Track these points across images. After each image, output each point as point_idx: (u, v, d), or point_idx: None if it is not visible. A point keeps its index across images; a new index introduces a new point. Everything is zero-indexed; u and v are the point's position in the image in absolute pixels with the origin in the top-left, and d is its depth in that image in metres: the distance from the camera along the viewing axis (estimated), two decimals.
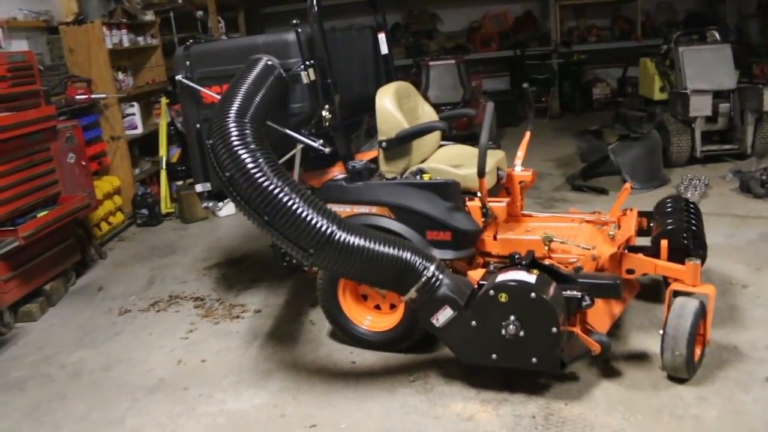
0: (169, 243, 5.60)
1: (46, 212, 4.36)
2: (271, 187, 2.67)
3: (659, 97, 6.91)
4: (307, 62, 3.25)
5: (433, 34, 10.47)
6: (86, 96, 5.54)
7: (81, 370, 3.54)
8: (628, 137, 6.02)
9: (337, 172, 3.55)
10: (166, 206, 6.30)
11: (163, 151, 6.35)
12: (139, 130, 6.37)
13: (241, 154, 2.72)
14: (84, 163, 4.89)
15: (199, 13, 7.31)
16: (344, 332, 3.43)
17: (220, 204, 3.79)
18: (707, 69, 6.32)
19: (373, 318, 3.39)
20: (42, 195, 4.46)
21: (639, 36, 9.88)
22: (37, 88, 4.44)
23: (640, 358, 3.14)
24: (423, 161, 3.63)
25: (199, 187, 3.76)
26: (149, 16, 6.55)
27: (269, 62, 3.23)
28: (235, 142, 2.75)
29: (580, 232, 3.53)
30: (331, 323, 3.47)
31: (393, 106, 3.42)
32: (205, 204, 3.78)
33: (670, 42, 6.74)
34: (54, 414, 3.14)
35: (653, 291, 3.72)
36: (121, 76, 6.18)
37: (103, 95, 5.71)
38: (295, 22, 3.26)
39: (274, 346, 3.57)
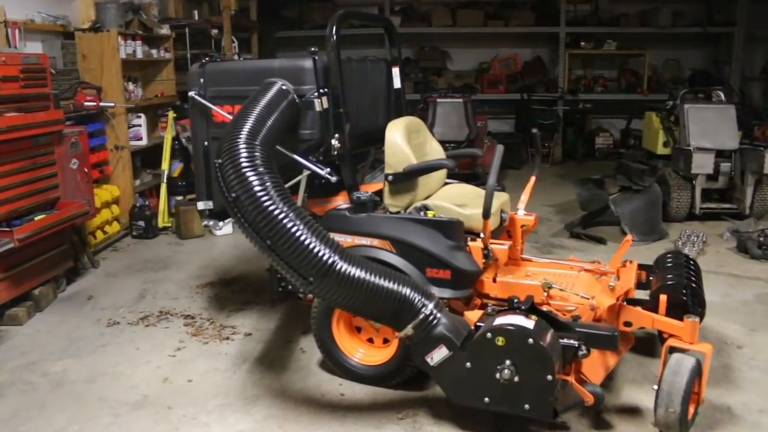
0: (164, 257, 5.55)
1: (43, 216, 4.33)
2: (276, 212, 2.65)
3: (662, 152, 6.98)
4: (321, 90, 3.27)
5: (442, 71, 10.59)
6: (95, 103, 5.54)
7: (64, 380, 3.47)
8: (630, 189, 6.06)
9: (341, 202, 3.54)
10: (163, 220, 6.27)
11: (165, 165, 6.34)
12: (144, 142, 6.37)
13: (249, 176, 2.71)
14: (86, 170, 4.88)
15: (214, 31, 7.40)
16: (335, 363, 3.38)
17: (221, 223, 3.77)
18: (711, 128, 6.40)
19: (365, 351, 3.35)
20: (41, 198, 4.44)
21: (645, 90, 10.01)
22: (48, 92, 4.44)
23: (632, 412, 3.10)
24: (427, 198, 3.62)
25: (201, 205, 3.74)
26: (165, 30, 6.59)
27: (283, 87, 3.24)
28: (244, 164, 2.74)
29: (578, 281, 3.52)
30: (323, 353, 3.42)
31: (403, 141, 3.43)
32: (205, 222, 3.76)
33: (676, 99, 6.83)
34: (32, 424, 3.07)
35: (647, 345, 3.70)
36: (131, 86, 6.19)
37: (112, 104, 5.72)
38: (313, 49, 3.28)
39: (262, 371, 3.52)
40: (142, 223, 6.02)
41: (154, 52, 6.50)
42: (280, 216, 2.64)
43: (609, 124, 10.71)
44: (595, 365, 3.03)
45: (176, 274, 5.13)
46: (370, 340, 3.40)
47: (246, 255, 5.58)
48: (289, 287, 3.62)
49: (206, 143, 3.64)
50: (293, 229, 2.64)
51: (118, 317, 4.28)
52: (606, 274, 3.63)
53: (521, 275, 3.46)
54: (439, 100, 8.05)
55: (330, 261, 2.64)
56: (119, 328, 4.13)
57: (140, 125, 6.31)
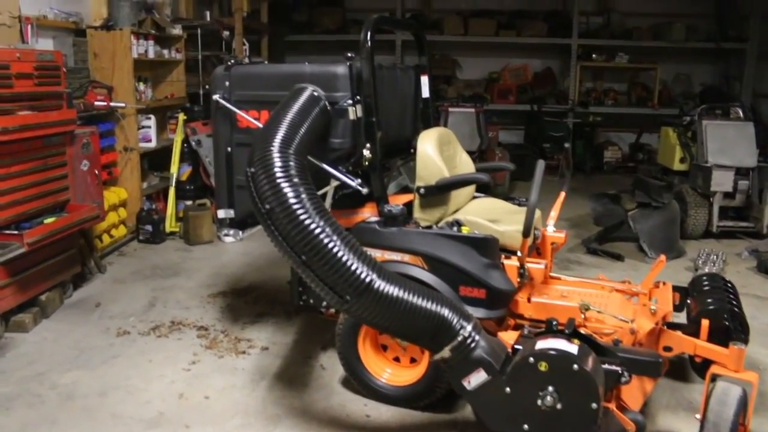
0: (172, 264, 5.40)
1: (53, 219, 4.18)
2: (312, 226, 2.51)
3: (679, 168, 6.87)
4: (356, 97, 3.14)
5: (452, 80, 10.49)
6: (105, 103, 5.39)
7: (74, 393, 3.31)
8: (649, 205, 5.95)
9: (368, 214, 3.41)
10: (170, 225, 6.12)
11: (174, 168, 6.19)
12: (153, 144, 6.22)
13: (284, 188, 2.57)
14: (97, 171, 4.73)
15: (225, 33, 7.28)
16: (359, 382, 3.24)
17: (241, 233, 3.62)
18: (729, 145, 6.31)
19: (392, 371, 3.21)
20: (51, 200, 4.29)
21: (655, 104, 9.94)
22: (61, 90, 4.29)
23: None
24: (455, 212, 3.50)
25: (221, 213, 3.59)
26: (177, 30, 6.46)
27: (315, 93, 3.11)
28: (278, 174, 2.60)
29: (610, 301, 3.40)
30: (347, 371, 3.28)
31: (435, 153, 3.31)
32: (225, 231, 3.62)
33: (692, 114, 6.74)
34: None
35: (678, 369, 3.58)
36: (141, 86, 6.05)
37: (123, 104, 5.57)
38: (349, 54, 3.16)
39: (282, 389, 3.37)
40: (149, 228, 5.86)
41: (165, 52, 6.36)
42: (317, 231, 2.50)
43: (617, 137, 10.63)
44: (633, 391, 2.89)
45: (186, 281, 4.97)
46: (397, 359, 3.27)
47: (257, 263, 5.44)
48: (311, 301, 3.47)
49: (229, 149, 3.50)
50: (330, 245, 2.50)
51: (128, 326, 4.12)
52: (637, 294, 3.52)
53: (556, 296, 3.33)
54: (450, 109, 7.93)
55: (368, 279, 2.50)
56: (130, 338, 3.98)
57: (150, 127, 6.15)
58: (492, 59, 10.67)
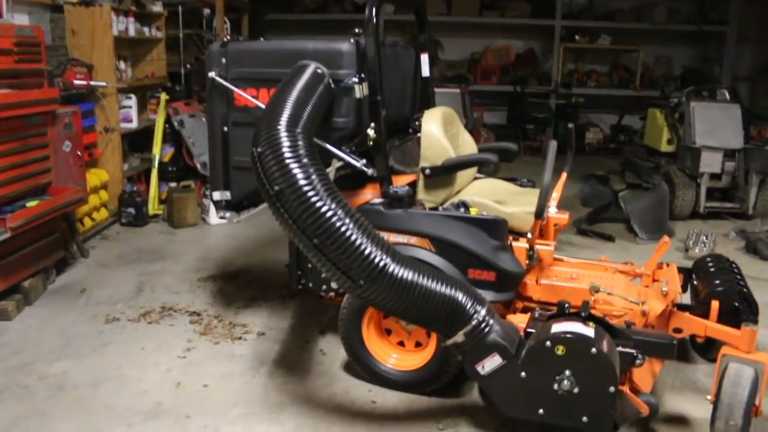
0: (157, 247, 5.24)
1: (36, 202, 4.00)
2: (324, 209, 2.41)
3: (666, 149, 6.87)
4: (362, 75, 3.02)
5: (435, 60, 10.35)
6: (85, 82, 5.18)
7: (64, 384, 3.17)
8: (639, 186, 5.95)
9: (370, 195, 3.31)
10: (153, 207, 5.94)
11: (156, 150, 6.00)
12: (134, 125, 6.01)
13: (293, 168, 2.46)
14: (79, 153, 4.54)
15: (206, 11, 7.07)
16: (364, 368, 3.16)
17: (238, 216, 3.50)
18: (717, 126, 6.32)
19: (398, 356, 3.14)
20: (32, 183, 4.10)
21: (637, 86, 9.95)
22: (42, 68, 4.09)
23: (679, 422, 2.97)
24: (457, 193, 3.42)
25: (217, 195, 3.45)
26: (158, 8, 6.23)
27: (319, 70, 2.99)
28: (287, 154, 2.49)
29: (615, 283, 3.37)
30: (351, 357, 3.19)
31: (440, 133, 3.22)
32: (221, 214, 3.49)
33: (679, 95, 6.74)
34: None
35: (679, 349, 3.56)
36: (122, 65, 5.83)
37: (103, 83, 5.36)
38: (357, 30, 3.03)
39: (283, 375, 3.28)
40: (132, 210, 5.68)
41: (146, 30, 6.13)
42: (329, 213, 2.40)
43: (599, 119, 10.63)
44: (644, 373, 2.87)
45: (173, 265, 4.82)
46: (401, 344, 3.19)
47: (244, 246, 5.31)
48: (310, 285, 3.37)
49: (225, 129, 3.36)
50: (343, 228, 2.40)
51: (116, 313, 3.98)
52: (640, 275, 3.50)
53: (565, 278, 3.28)
54: (436, 89, 7.78)
55: (382, 263, 2.41)
56: (119, 324, 3.83)
57: (131, 107, 5.94)
58: (474, 40, 10.57)
